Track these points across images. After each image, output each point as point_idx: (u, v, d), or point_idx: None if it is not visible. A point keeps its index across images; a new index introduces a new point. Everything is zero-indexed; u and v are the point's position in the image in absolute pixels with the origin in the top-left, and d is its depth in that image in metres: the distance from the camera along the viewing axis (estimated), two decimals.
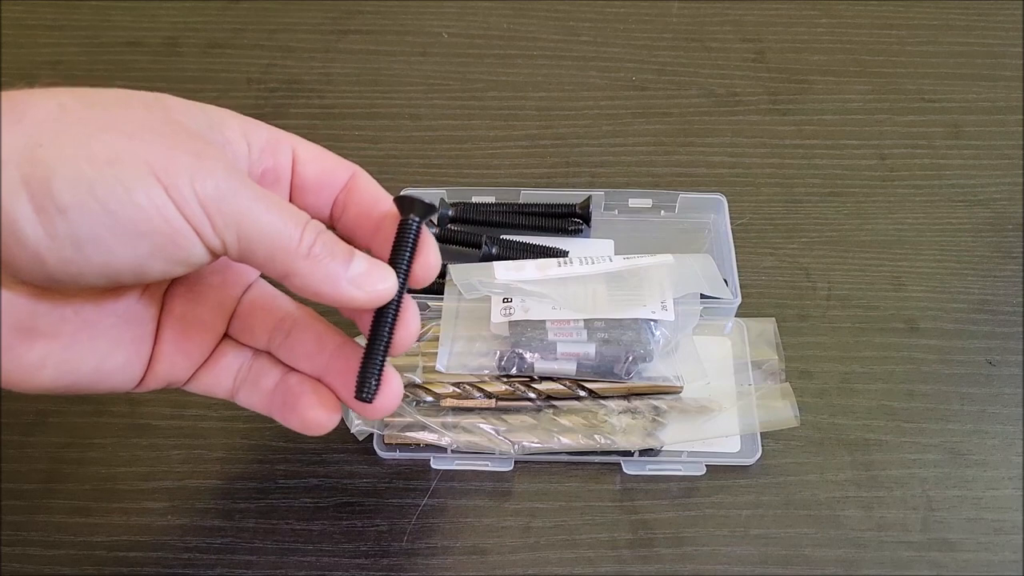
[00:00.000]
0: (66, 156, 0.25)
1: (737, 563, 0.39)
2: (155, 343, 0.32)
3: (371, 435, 0.42)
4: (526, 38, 0.60)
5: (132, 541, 0.39)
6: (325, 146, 0.53)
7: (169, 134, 0.27)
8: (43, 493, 0.41)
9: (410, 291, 0.32)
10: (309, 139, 0.54)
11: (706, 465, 0.42)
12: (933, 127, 0.56)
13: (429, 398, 0.41)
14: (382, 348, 0.32)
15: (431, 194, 0.49)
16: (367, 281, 0.30)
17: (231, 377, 0.34)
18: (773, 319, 0.45)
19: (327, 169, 0.33)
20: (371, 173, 0.52)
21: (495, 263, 0.43)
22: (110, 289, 0.30)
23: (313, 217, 0.33)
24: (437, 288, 0.45)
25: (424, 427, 0.41)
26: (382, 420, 0.41)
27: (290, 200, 0.33)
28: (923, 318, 0.47)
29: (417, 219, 0.32)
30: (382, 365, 0.32)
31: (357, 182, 0.33)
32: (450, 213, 0.49)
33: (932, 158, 0.54)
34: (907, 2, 0.63)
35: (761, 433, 0.42)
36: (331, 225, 0.33)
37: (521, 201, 0.50)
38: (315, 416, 0.33)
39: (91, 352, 0.30)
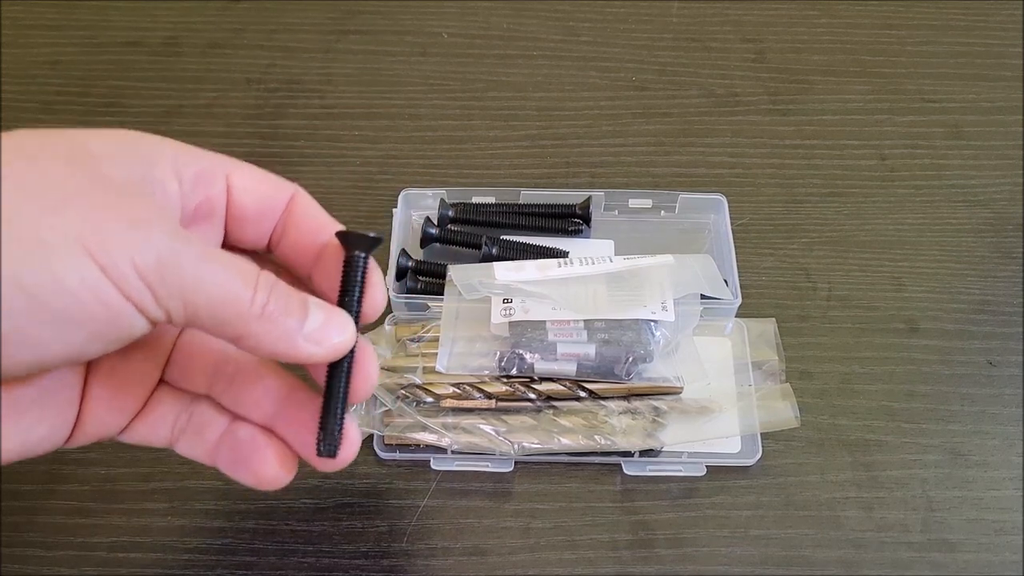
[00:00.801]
0: None
1: (737, 564, 0.39)
2: (82, 401, 0.29)
3: (371, 436, 0.42)
4: (526, 38, 0.60)
5: (132, 542, 0.39)
6: (325, 146, 0.54)
7: (99, 197, 0.24)
8: (43, 494, 0.41)
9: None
10: (309, 139, 0.54)
11: (706, 466, 0.42)
12: (933, 127, 0.56)
13: (429, 399, 0.41)
14: (340, 399, 0.30)
15: (431, 194, 0.49)
16: (325, 335, 0.28)
17: (168, 427, 0.32)
18: (773, 319, 0.45)
19: (265, 195, 0.30)
20: (371, 173, 0.53)
21: (495, 263, 0.43)
22: None
23: (251, 247, 0.31)
24: (437, 289, 0.45)
25: (424, 428, 0.41)
26: (382, 420, 0.41)
27: (226, 233, 0.30)
28: (923, 318, 0.47)
29: (363, 255, 0.30)
30: (342, 418, 0.30)
31: (297, 206, 0.31)
32: (450, 213, 0.49)
33: (932, 158, 0.54)
34: (907, 2, 0.63)
35: (761, 434, 0.42)
36: (268, 251, 0.31)
37: (521, 201, 0.50)
38: (270, 472, 0.31)
39: (15, 431, 0.27)
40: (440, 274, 0.46)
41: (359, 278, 0.30)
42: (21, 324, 0.23)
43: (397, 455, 0.42)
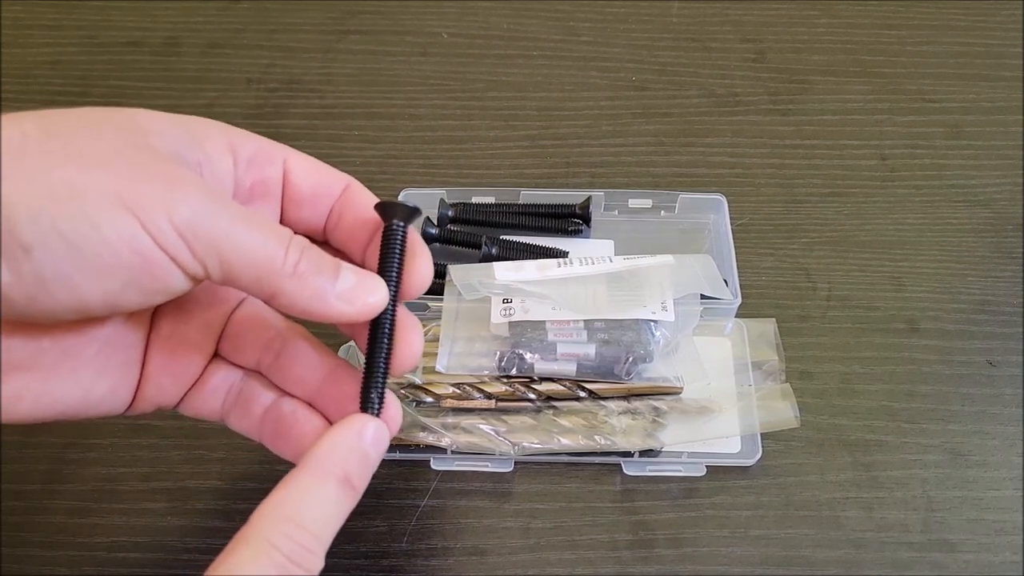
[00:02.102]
0: (26, 191, 0.24)
1: (737, 564, 0.39)
2: (143, 366, 0.31)
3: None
4: (526, 38, 0.60)
5: (132, 542, 0.39)
6: (325, 146, 0.54)
7: (140, 161, 0.26)
8: (43, 494, 0.41)
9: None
10: (309, 139, 0.54)
11: (706, 466, 0.42)
12: (933, 127, 0.56)
13: (429, 399, 0.41)
14: (382, 362, 0.30)
15: (431, 194, 0.49)
16: (357, 295, 0.29)
17: (220, 400, 0.33)
18: (773, 320, 0.45)
19: (321, 181, 0.32)
20: (371, 173, 0.53)
21: (495, 263, 0.43)
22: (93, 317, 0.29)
23: (307, 231, 0.32)
24: (437, 289, 0.45)
25: (424, 428, 0.41)
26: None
27: (282, 213, 0.32)
28: (923, 318, 0.47)
29: (401, 224, 0.30)
30: (384, 380, 0.30)
31: (351, 193, 0.32)
32: (450, 213, 0.49)
33: (932, 158, 0.54)
34: (907, 2, 0.63)
35: (761, 434, 0.42)
36: (324, 239, 0.33)
37: (521, 201, 0.50)
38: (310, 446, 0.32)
39: (74, 383, 0.29)
40: (440, 274, 0.46)
41: (397, 246, 0.30)
42: (61, 268, 0.24)
43: (397, 455, 0.42)
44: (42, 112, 0.26)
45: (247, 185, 0.30)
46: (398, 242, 0.30)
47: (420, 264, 0.31)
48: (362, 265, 0.32)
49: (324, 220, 0.32)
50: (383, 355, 0.30)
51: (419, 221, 0.47)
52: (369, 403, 0.30)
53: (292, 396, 0.33)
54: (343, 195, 0.32)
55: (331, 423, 0.32)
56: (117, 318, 0.30)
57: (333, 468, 0.28)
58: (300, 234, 0.31)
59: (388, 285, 0.30)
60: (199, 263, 0.26)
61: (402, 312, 0.31)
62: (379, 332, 0.30)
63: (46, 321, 0.27)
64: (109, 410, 0.31)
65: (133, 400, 0.31)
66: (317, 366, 0.32)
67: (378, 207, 0.31)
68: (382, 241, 0.31)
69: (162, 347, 0.32)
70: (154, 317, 0.32)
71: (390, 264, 0.30)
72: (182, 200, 0.25)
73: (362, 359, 0.31)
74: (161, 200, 0.25)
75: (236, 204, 0.27)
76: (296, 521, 0.27)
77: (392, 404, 0.31)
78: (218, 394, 0.33)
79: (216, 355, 0.33)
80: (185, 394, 0.33)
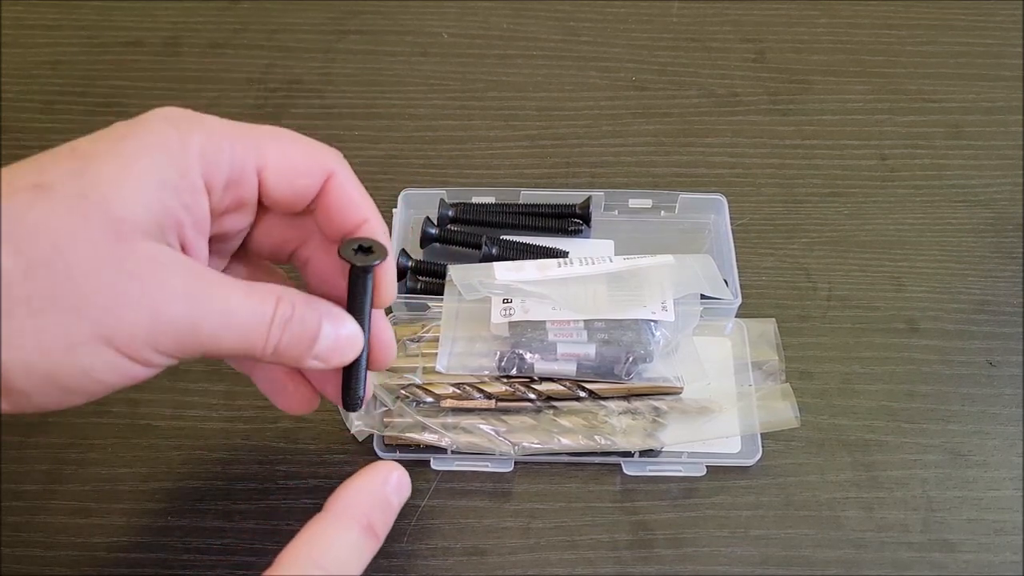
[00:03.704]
0: (16, 347, 0.25)
1: (737, 564, 0.39)
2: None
3: (371, 436, 0.42)
4: (526, 38, 0.60)
5: (132, 542, 0.39)
6: None
7: (119, 281, 0.26)
8: (43, 494, 0.41)
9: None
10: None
11: (706, 466, 0.42)
12: (933, 127, 0.56)
13: (429, 399, 0.41)
14: (362, 365, 0.33)
15: (431, 194, 0.49)
16: (332, 356, 0.31)
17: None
18: (773, 320, 0.45)
19: (298, 180, 0.31)
20: (371, 173, 0.53)
21: (495, 264, 0.43)
22: None
23: (285, 215, 0.33)
24: (437, 289, 0.45)
25: (424, 428, 0.41)
26: (382, 421, 0.41)
27: (257, 215, 0.32)
28: (923, 318, 0.47)
29: (365, 267, 0.31)
30: (365, 377, 0.34)
31: (332, 186, 0.31)
32: (450, 213, 0.49)
33: (932, 158, 0.54)
34: (907, 2, 0.63)
35: (761, 434, 0.42)
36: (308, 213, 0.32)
37: (521, 201, 0.50)
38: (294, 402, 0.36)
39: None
40: (440, 274, 0.46)
41: (365, 288, 0.31)
42: (57, 400, 0.27)
43: (397, 455, 0.42)
44: (11, 219, 0.25)
45: (223, 207, 0.30)
46: (366, 284, 0.31)
47: (383, 337, 0.34)
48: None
49: (303, 206, 0.32)
50: (360, 374, 0.34)
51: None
52: (354, 403, 0.34)
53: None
54: (325, 186, 0.31)
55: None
56: None
57: (357, 515, 0.30)
58: (281, 213, 0.32)
59: (361, 328, 0.32)
60: (180, 361, 0.28)
61: (377, 317, 0.33)
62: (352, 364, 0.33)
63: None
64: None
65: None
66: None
67: (340, 251, 0.31)
68: (349, 283, 0.32)
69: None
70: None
71: (360, 309, 0.32)
72: (166, 325, 0.26)
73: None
74: (145, 331, 0.26)
75: (216, 290, 0.28)
76: (321, 565, 0.29)
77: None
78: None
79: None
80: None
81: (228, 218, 0.31)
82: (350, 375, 0.33)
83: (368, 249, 0.31)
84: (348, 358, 0.32)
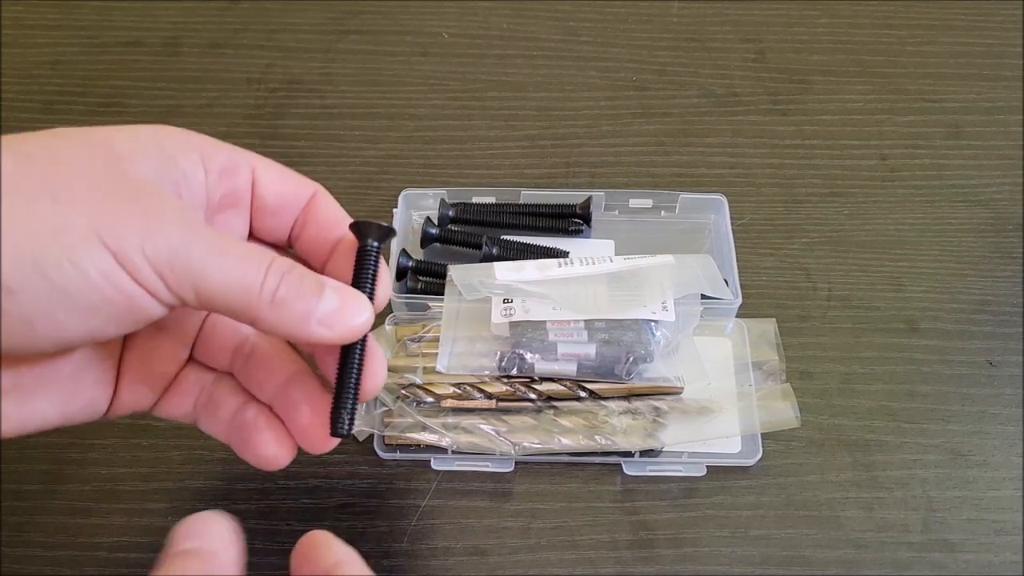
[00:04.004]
0: (7, 231, 0.24)
1: (738, 564, 0.39)
2: (117, 376, 0.31)
3: (372, 436, 0.42)
4: (526, 38, 0.60)
5: (133, 542, 0.39)
6: (325, 146, 0.54)
7: (115, 193, 0.26)
8: (44, 494, 0.41)
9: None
10: (309, 139, 0.54)
11: (707, 466, 0.42)
12: (933, 127, 0.56)
13: (429, 399, 0.41)
14: (352, 386, 0.30)
15: (431, 194, 0.49)
16: (339, 319, 0.28)
17: (192, 402, 0.33)
18: (773, 319, 0.45)
19: (288, 190, 0.32)
20: (371, 173, 0.53)
21: (495, 264, 0.43)
22: None
23: (275, 240, 0.32)
24: (437, 289, 0.45)
25: (425, 428, 0.41)
26: (382, 420, 0.41)
27: (251, 223, 0.32)
28: (923, 318, 0.47)
29: (377, 244, 0.30)
30: (354, 403, 0.30)
31: (317, 202, 0.32)
32: (450, 213, 0.49)
33: (932, 158, 0.54)
34: (907, 2, 0.63)
35: (762, 434, 0.42)
36: (289, 245, 0.32)
37: (521, 201, 0.50)
38: (269, 452, 0.32)
39: (49, 402, 0.29)
40: (440, 274, 0.46)
41: (372, 267, 0.30)
42: (44, 307, 0.25)
43: (397, 455, 0.42)
44: (13, 139, 0.25)
45: (217, 196, 0.30)
46: (373, 262, 0.30)
47: (385, 286, 0.31)
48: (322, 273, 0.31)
49: (289, 229, 0.32)
50: (354, 379, 0.30)
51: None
52: (339, 426, 0.30)
53: (257, 401, 0.33)
54: (309, 202, 0.32)
55: (287, 429, 0.32)
56: None
57: None
58: (268, 243, 0.31)
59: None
60: (175, 295, 0.26)
61: (371, 340, 0.31)
62: (351, 356, 0.30)
63: (27, 355, 0.27)
64: (86, 419, 0.31)
65: (109, 408, 0.31)
66: (279, 370, 0.32)
67: (353, 226, 0.31)
68: (356, 261, 0.30)
69: (137, 357, 0.32)
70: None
71: (364, 285, 0.30)
72: (157, 233, 0.25)
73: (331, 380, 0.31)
74: (137, 233, 0.25)
75: (213, 230, 0.27)
76: None
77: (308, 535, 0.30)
78: (190, 397, 0.33)
79: (191, 358, 0.33)
80: (159, 399, 0.33)
81: (223, 217, 0.31)
82: (345, 378, 0.30)
83: (373, 234, 0.31)
84: (355, 325, 0.29)
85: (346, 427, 0.30)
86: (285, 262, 0.28)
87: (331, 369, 0.31)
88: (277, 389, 0.32)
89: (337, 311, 0.28)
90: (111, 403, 0.31)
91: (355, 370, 0.30)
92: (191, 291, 0.26)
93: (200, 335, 0.33)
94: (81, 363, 0.30)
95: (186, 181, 0.29)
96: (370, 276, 0.30)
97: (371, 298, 0.30)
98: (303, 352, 0.34)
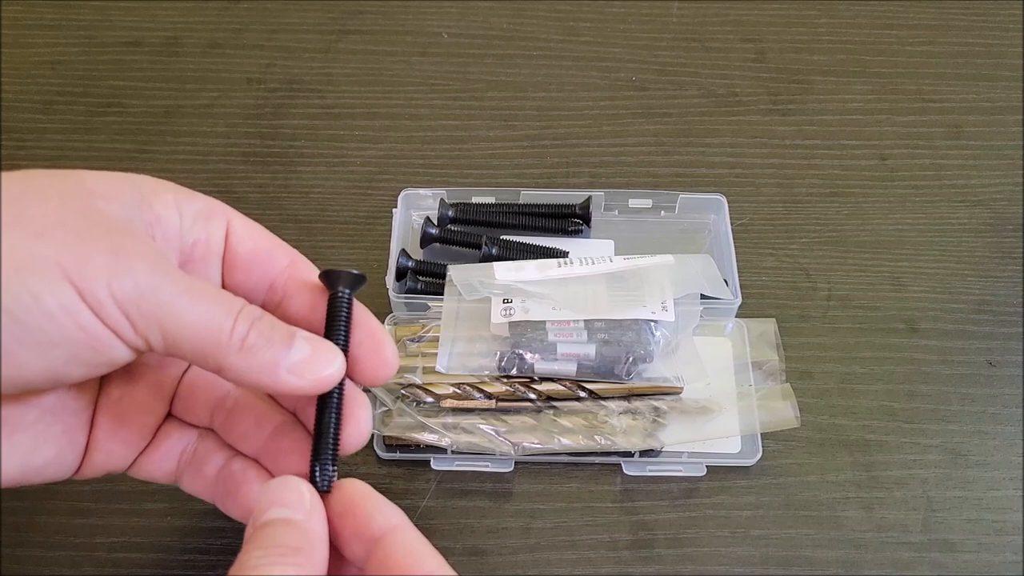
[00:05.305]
0: None
1: (738, 564, 0.39)
2: (91, 431, 0.30)
3: (371, 436, 0.42)
4: (526, 38, 0.60)
5: (132, 542, 0.39)
6: (325, 146, 0.54)
7: (84, 228, 0.25)
8: (44, 494, 0.41)
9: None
10: (309, 139, 0.54)
11: (706, 466, 0.42)
12: (933, 127, 0.56)
13: (429, 399, 0.41)
14: (331, 438, 0.29)
15: (431, 194, 0.49)
16: (309, 367, 0.28)
17: (174, 461, 0.32)
18: (773, 319, 0.45)
19: (261, 246, 0.31)
20: (371, 173, 0.53)
21: (495, 264, 0.43)
22: None
23: (245, 298, 0.30)
24: (437, 289, 0.45)
25: (424, 428, 0.41)
26: (382, 420, 0.41)
27: (223, 277, 0.31)
28: (923, 319, 0.47)
29: (348, 292, 0.30)
30: (334, 455, 0.29)
31: (298, 270, 0.31)
32: (450, 213, 0.49)
33: (932, 158, 0.54)
34: (907, 2, 0.63)
35: (762, 434, 0.42)
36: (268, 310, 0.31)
37: (521, 201, 0.50)
38: None
39: (11, 450, 0.28)
40: (440, 274, 0.46)
41: (344, 315, 0.29)
42: (3, 343, 0.24)
43: (397, 455, 0.42)
44: None
45: (190, 243, 0.29)
46: (345, 311, 0.29)
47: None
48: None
49: (264, 289, 0.31)
50: (332, 430, 0.29)
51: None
52: (315, 479, 0.29)
53: (242, 455, 0.32)
54: (288, 270, 0.31)
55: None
56: (60, 387, 0.29)
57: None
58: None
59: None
60: (140, 337, 0.25)
61: (351, 388, 0.30)
62: (327, 407, 0.29)
63: None
64: (53, 477, 0.30)
65: (80, 466, 0.30)
66: (264, 422, 0.31)
67: (322, 275, 0.30)
68: (328, 310, 0.30)
69: (111, 411, 0.30)
70: (102, 380, 0.31)
71: (337, 334, 0.29)
72: (125, 272, 0.25)
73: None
74: (103, 271, 0.24)
75: (183, 274, 0.27)
76: None
77: (347, 485, 0.29)
78: (171, 456, 0.32)
79: (169, 415, 0.32)
80: (136, 458, 0.32)
81: (195, 264, 0.30)
82: (322, 429, 0.29)
83: (342, 282, 0.30)
84: (326, 375, 0.28)
85: (327, 481, 0.29)
86: (255, 310, 0.27)
87: (312, 422, 0.30)
88: (265, 441, 0.31)
89: (307, 360, 0.28)
90: (83, 460, 0.30)
91: (333, 421, 0.29)
92: (158, 333, 0.26)
93: (179, 389, 0.32)
94: (47, 411, 0.29)
95: (160, 224, 0.28)
96: (342, 325, 0.29)
97: (344, 348, 0.29)
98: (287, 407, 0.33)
